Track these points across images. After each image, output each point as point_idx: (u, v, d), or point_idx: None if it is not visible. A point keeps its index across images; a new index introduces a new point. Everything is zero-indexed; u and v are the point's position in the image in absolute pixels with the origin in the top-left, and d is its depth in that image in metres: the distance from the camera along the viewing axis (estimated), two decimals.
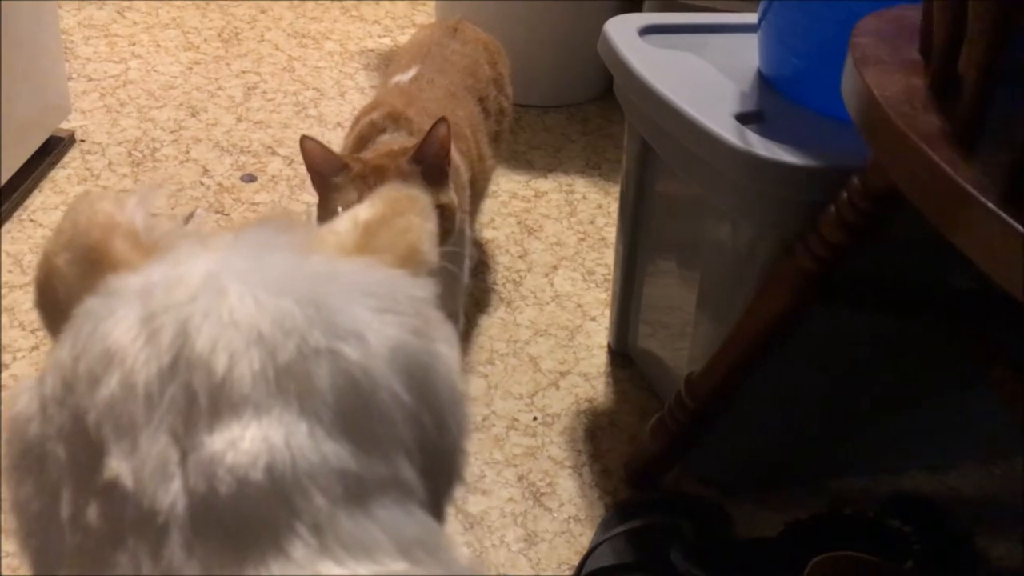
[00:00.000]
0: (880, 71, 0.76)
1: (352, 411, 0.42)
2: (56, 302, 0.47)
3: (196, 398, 0.41)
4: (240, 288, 0.43)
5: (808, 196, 0.97)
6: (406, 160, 1.00)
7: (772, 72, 1.14)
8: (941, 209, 0.67)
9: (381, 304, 0.45)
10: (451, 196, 1.05)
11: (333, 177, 1.00)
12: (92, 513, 0.41)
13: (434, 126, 1.01)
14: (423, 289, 0.49)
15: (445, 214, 1.03)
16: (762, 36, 1.15)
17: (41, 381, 0.44)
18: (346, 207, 0.98)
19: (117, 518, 0.41)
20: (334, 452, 0.41)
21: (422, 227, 0.52)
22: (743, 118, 1.03)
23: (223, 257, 0.45)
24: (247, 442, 0.40)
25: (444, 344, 0.48)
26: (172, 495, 0.40)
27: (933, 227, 0.70)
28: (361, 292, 0.45)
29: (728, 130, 0.98)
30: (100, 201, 0.49)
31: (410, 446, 0.44)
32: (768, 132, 1.00)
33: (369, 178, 0.99)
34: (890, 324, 1.08)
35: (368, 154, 1.07)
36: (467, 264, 1.19)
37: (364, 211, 0.53)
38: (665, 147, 1.12)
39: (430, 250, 0.52)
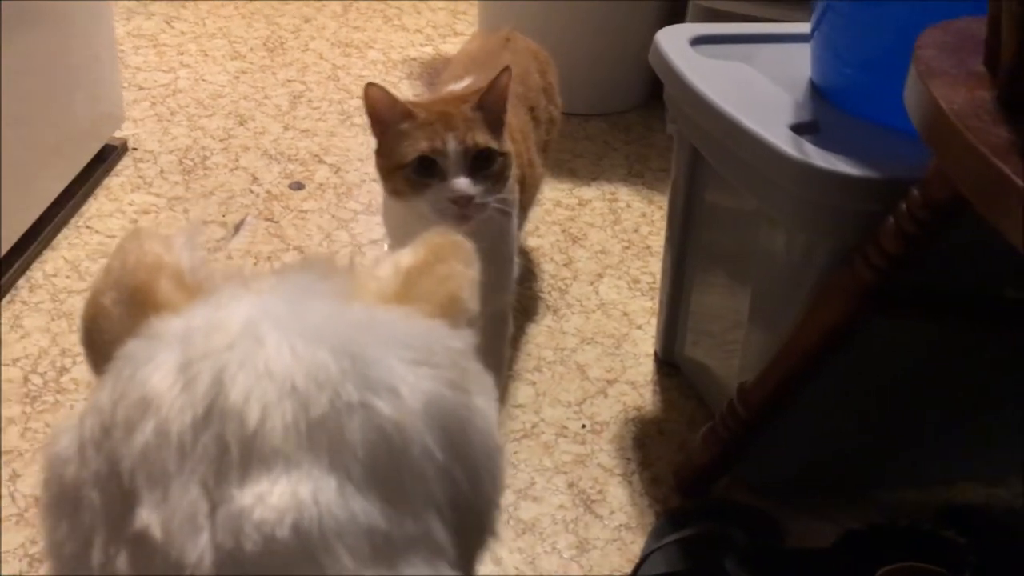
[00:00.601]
0: (946, 83, 0.77)
1: (383, 467, 0.42)
2: (102, 341, 0.47)
3: (228, 449, 0.40)
4: (277, 337, 0.43)
5: (864, 206, 0.97)
6: (470, 107, 1.01)
7: (825, 82, 1.14)
8: (1013, 221, 0.67)
9: (417, 356, 0.45)
10: (510, 145, 1.06)
11: (399, 125, 0.99)
12: (122, 562, 0.41)
13: (499, 74, 1.01)
14: (461, 340, 0.48)
15: (507, 162, 1.04)
16: (815, 46, 1.15)
17: (81, 422, 0.44)
18: (416, 155, 0.98)
19: (145, 569, 0.40)
20: (363, 509, 0.40)
21: (464, 275, 0.52)
22: (798, 128, 1.03)
23: (263, 302, 0.45)
24: (275, 497, 0.40)
25: (481, 397, 0.47)
26: (199, 549, 0.39)
27: (1002, 237, 0.71)
28: (398, 343, 0.45)
29: (784, 141, 0.98)
30: (149, 241, 0.49)
31: (441, 503, 0.43)
32: (823, 142, 1.00)
33: (436, 124, 0.98)
34: (944, 334, 1.08)
35: (428, 98, 1.07)
36: (516, 260, 1.20)
37: (406, 257, 0.52)
38: (718, 157, 1.12)
39: (471, 299, 0.51)
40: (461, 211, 0.98)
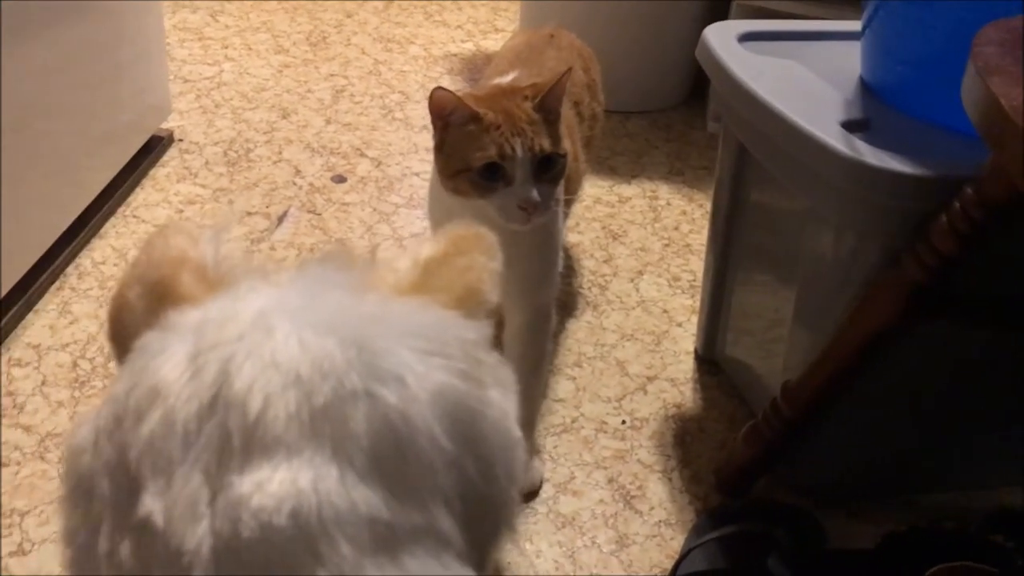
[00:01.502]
0: (1005, 81, 0.76)
1: (388, 457, 0.41)
2: (126, 335, 0.47)
3: (230, 438, 0.40)
4: (287, 328, 0.42)
5: (915, 205, 0.96)
6: (531, 107, 1.01)
7: (876, 80, 1.13)
8: None
9: (429, 347, 0.44)
10: (568, 143, 1.06)
11: (465, 127, 0.99)
12: (125, 550, 0.41)
13: (562, 75, 1.01)
14: (475, 331, 0.47)
15: (566, 161, 1.04)
16: (866, 43, 1.14)
17: (98, 414, 0.44)
18: (484, 161, 0.97)
19: (147, 557, 0.40)
20: (364, 498, 0.40)
21: (484, 267, 0.51)
22: (848, 126, 1.02)
23: (278, 294, 0.45)
24: (275, 485, 0.39)
25: (497, 388, 0.47)
26: (199, 536, 0.39)
27: None
28: (409, 334, 0.44)
29: (836, 138, 0.98)
30: (175, 235, 0.49)
31: (450, 494, 0.43)
32: (874, 140, 0.99)
33: (503, 129, 0.98)
34: (991, 337, 1.07)
35: (484, 92, 1.06)
36: (561, 255, 1.20)
37: (426, 249, 0.51)
38: (766, 154, 1.12)
39: (491, 290, 0.50)
40: (527, 215, 0.99)
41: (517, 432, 0.48)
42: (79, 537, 0.43)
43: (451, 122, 1.00)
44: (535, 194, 0.99)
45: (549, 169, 1.01)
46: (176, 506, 0.40)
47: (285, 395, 0.41)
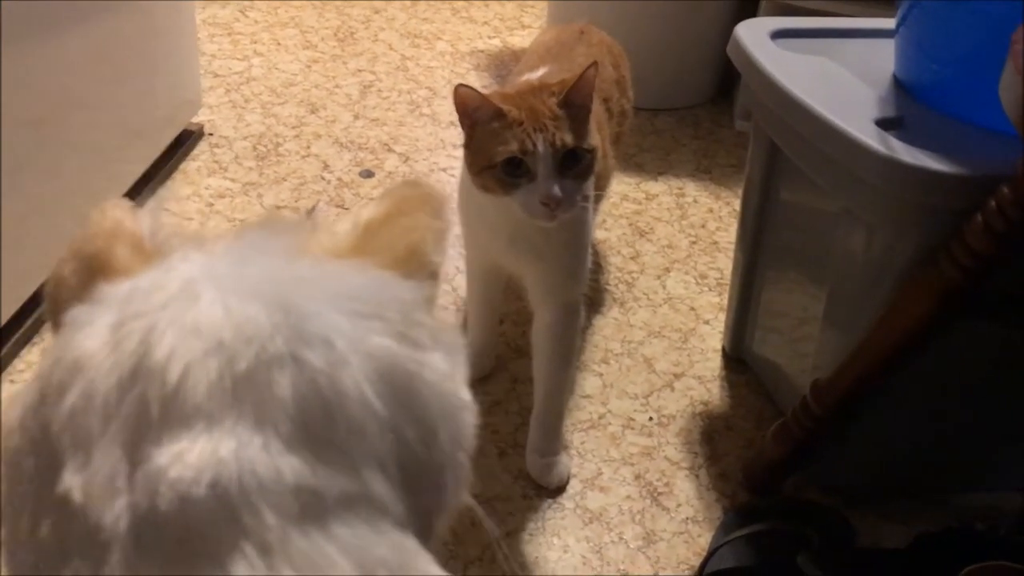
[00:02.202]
0: None
1: (315, 422, 0.40)
2: (61, 312, 0.45)
3: (149, 409, 0.39)
4: (213, 294, 0.41)
5: (950, 204, 0.95)
6: (556, 103, 1.01)
7: (910, 78, 1.12)
8: None
9: (361, 308, 0.43)
10: (597, 138, 1.06)
11: (489, 124, 1.00)
12: (45, 529, 0.40)
13: (586, 70, 1.01)
14: (414, 292, 0.45)
15: (593, 156, 1.04)
16: (900, 42, 1.13)
17: (27, 391, 0.43)
18: (505, 156, 0.98)
19: (65, 535, 0.39)
20: (290, 466, 0.39)
21: (428, 226, 0.49)
22: (882, 124, 1.02)
23: (209, 261, 0.44)
24: (194, 455, 0.38)
25: (439, 351, 0.45)
26: (116, 512, 0.38)
27: None
28: (341, 296, 0.43)
29: (870, 136, 0.97)
30: (113, 209, 0.48)
31: (385, 459, 0.41)
32: (908, 138, 0.99)
33: (526, 124, 0.99)
34: (1022, 337, 1.06)
35: (512, 89, 1.07)
36: (590, 252, 1.20)
37: (368, 211, 0.50)
38: (799, 152, 1.11)
39: (435, 251, 0.49)
40: (550, 211, 0.99)
41: (464, 395, 0.46)
42: (9, 520, 0.42)
43: (477, 119, 1.01)
44: (557, 190, 0.99)
45: (574, 165, 1.01)
46: (94, 481, 0.38)
47: (206, 362, 0.39)
